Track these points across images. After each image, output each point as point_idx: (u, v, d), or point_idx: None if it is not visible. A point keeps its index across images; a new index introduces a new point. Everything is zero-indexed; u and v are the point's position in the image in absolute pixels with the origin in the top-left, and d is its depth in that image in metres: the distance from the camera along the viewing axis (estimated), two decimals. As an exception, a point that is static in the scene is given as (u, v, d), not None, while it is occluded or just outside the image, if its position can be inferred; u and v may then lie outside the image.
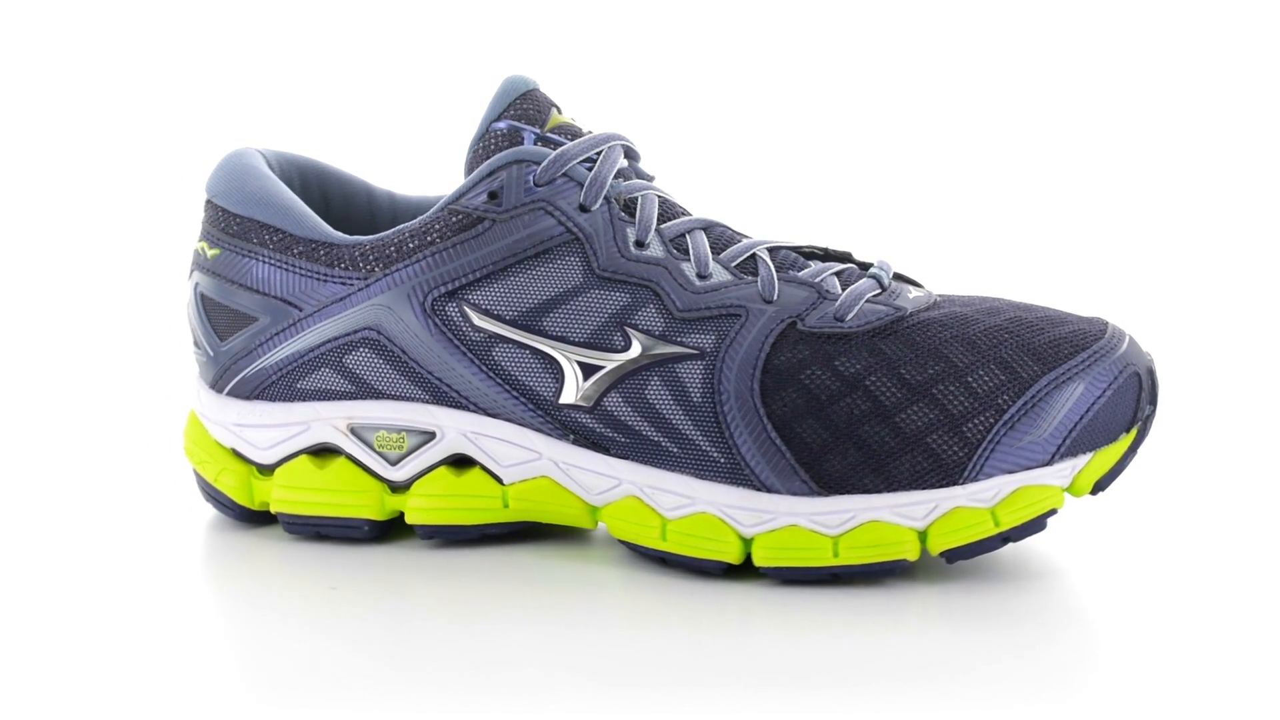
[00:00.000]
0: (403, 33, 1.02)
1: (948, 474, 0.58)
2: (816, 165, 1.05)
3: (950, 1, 1.06)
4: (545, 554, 0.62)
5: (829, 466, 0.59)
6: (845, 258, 0.64)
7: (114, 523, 0.66)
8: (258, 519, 0.65)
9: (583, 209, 0.61)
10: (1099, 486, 0.60)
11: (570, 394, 0.60)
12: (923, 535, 0.59)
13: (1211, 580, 0.62)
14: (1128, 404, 0.60)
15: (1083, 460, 0.59)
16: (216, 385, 0.64)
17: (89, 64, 0.98)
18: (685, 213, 0.63)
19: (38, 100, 0.98)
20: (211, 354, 0.64)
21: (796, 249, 0.63)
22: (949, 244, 1.01)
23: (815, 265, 0.62)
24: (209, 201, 0.65)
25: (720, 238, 0.62)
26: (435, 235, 0.61)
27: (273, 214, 0.63)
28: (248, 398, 0.64)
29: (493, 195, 0.61)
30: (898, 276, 0.64)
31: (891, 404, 0.59)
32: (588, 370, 0.60)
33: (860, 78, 1.07)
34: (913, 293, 0.62)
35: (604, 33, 1.05)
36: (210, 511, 0.66)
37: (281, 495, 0.63)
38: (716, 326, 0.60)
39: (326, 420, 0.63)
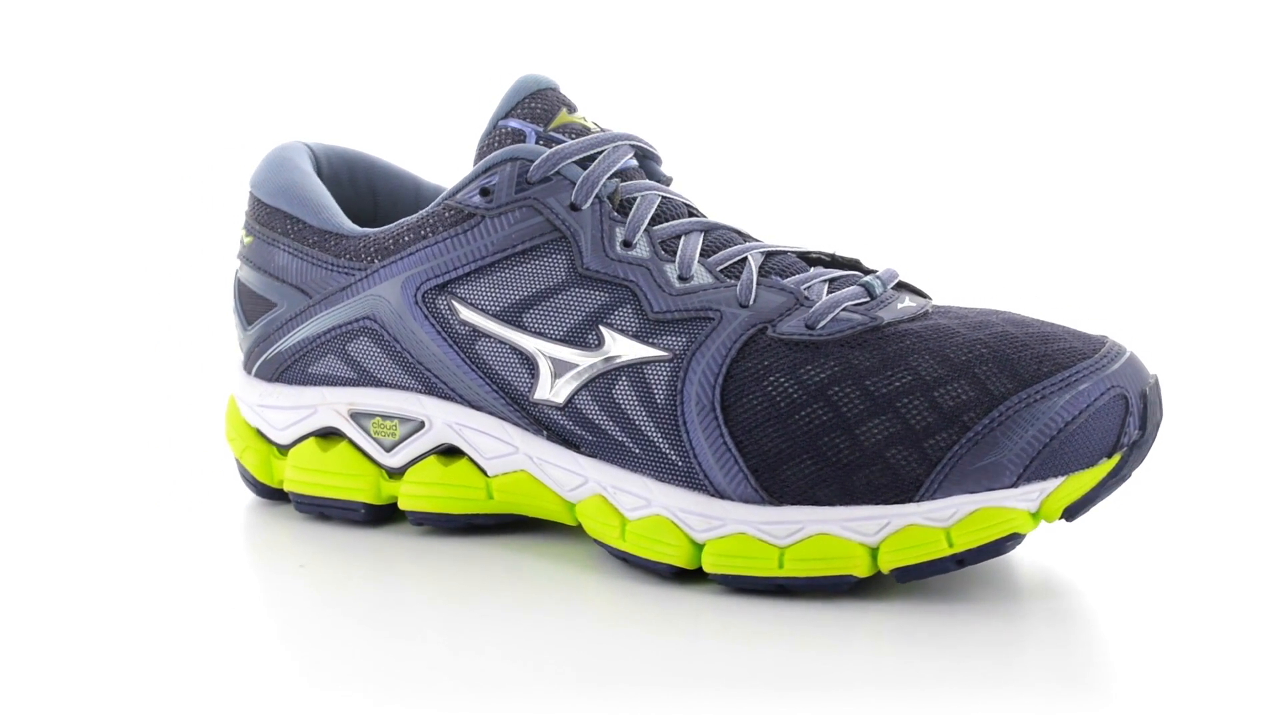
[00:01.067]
0: (466, 32, 1.05)
1: (903, 490, 0.56)
2: (869, 173, 1.04)
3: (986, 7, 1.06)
4: (523, 548, 0.63)
5: (785, 476, 0.57)
6: (852, 265, 0.63)
7: (152, 498, 0.69)
8: (279, 497, 0.67)
9: (573, 208, 0.61)
10: (1070, 513, 0.57)
11: (544, 390, 0.61)
12: (874, 552, 0.57)
13: (1184, 611, 0.58)
14: (1109, 428, 0.56)
15: (1052, 484, 0.56)
16: (246, 366, 0.67)
17: (172, 67, 1.04)
18: (699, 214, 0.63)
19: (128, 98, 1.04)
20: (242, 336, 0.67)
21: (803, 255, 0.62)
22: (1002, 254, 1.00)
23: (811, 271, 0.61)
24: (250, 193, 0.68)
25: (718, 241, 0.62)
26: (429, 229, 0.62)
27: (294, 204, 0.65)
28: (270, 380, 0.66)
29: (485, 192, 0.62)
30: (902, 285, 0.62)
31: (853, 415, 0.57)
32: (561, 367, 0.60)
33: (920, 87, 1.07)
34: (903, 303, 0.60)
35: (668, 44, 1.06)
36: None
37: (292, 475, 0.66)
38: (688, 329, 0.59)
39: (330, 405, 0.65)
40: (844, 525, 0.57)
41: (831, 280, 0.61)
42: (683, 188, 0.66)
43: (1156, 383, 0.58)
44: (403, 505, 0.64)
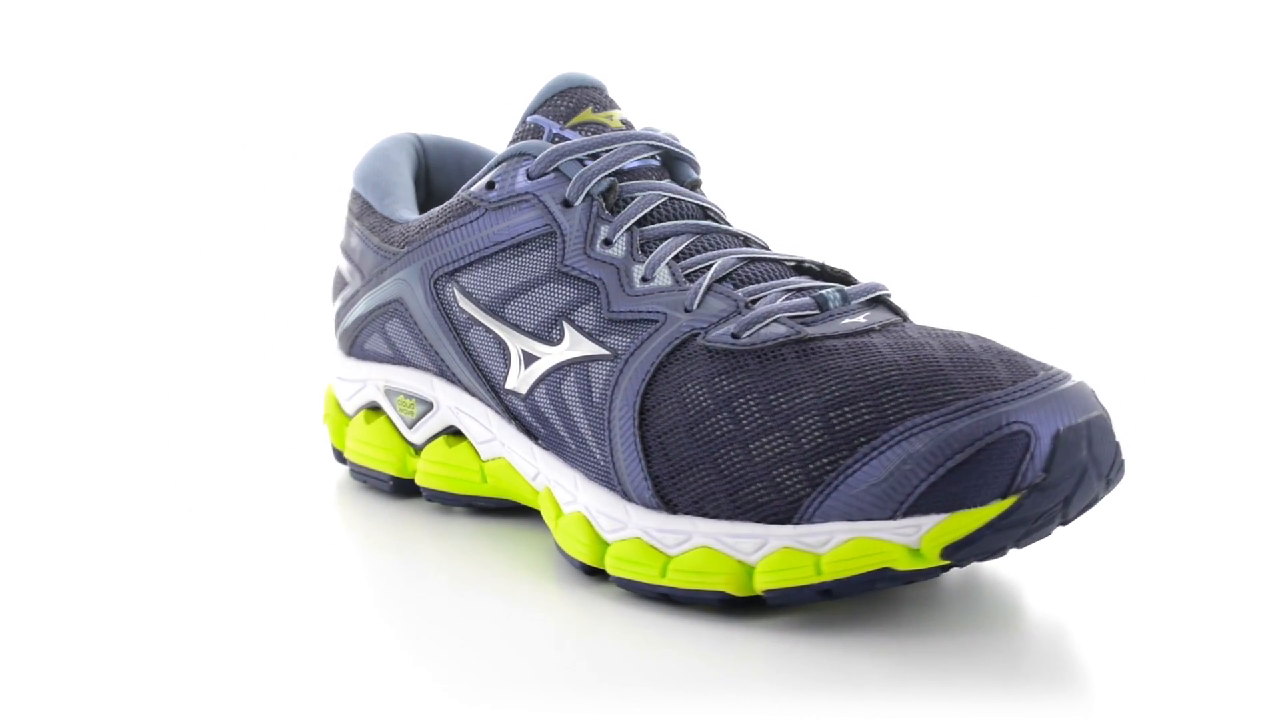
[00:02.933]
0: (576, 35, 1.05)
1: (784, 511, 0.54)
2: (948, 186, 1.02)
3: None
4: (502, 536, 0.64)
5: (683, 484, 0.56)
6: (840, 276, 0.60)
7: (256, 458, 0.75)
8: (349, 464, 0.72)
9: (566, 204, 0.62)
10: (950, 554, 0.53)
11: (513, 380, 0.62)
12: (751, 571, 0.55)
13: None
14: (1003, 466, 0.52)
15: (932, 521, 0.52)
16: (336, 338, 0.72)
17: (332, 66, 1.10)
18: (716, 219, 0.62)
19: (275, 94, 1.10)
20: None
21: (798, 264, 0.60)
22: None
23: (776, 280, 0.59)
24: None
25: (705, 245, 0.61)
26: (444, 219, 0.65)
27: (369, 189, 0.70)
28: (346, 353, 0.71)
29: (490, 185, 0.64)
30: (878, 301, 0.59)
31: (751, 430, 0.55)
32: (528, 359, 0.62)
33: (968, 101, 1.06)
34: (855, 318, 0.57)
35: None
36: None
37: (348, 444, 0.70)
38: (633, 330, 0.59)
39: (372, 381, 0.69)
40: (724, 541, 0.55)
41: (797, 290, 0.59)
42: (723, 193, 0.65)
43: (1091, 424, 0.53)
44: (417, 481, 0.67)
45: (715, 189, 0.67)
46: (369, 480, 0.69)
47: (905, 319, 0.59)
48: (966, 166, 1.07)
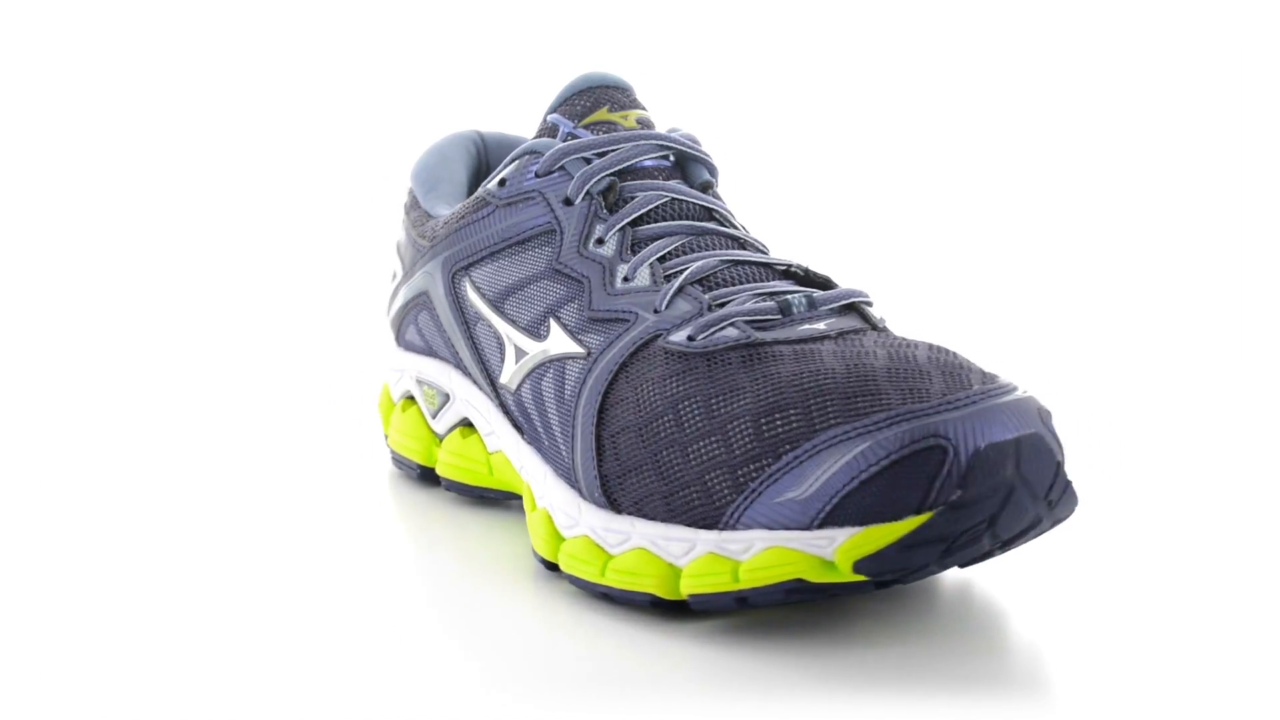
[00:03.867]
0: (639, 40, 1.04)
1: (711, 515, 0.54)
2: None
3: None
4: (501, 529, 0.65)
5: (628, 484, 0.56)
6: (822, 282, 0.59)
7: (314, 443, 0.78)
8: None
9: (566, 202, 0.62)
10: (865, 568, 0.51)
11: (506, 375, 0.63)
12: (679, 574, 0.55)
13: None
14: (917, 480, 0.51)
15: (846, 533, 0.51)
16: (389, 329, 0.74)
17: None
18: (722, 221, 0.62)
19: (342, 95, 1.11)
20: (390, 302, 0.74)
21: (786, 268, 0.60)
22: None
23: (749, 285, 0.58)
24: (415, 178, 0.74)
25: (694, 246, 0.60)
26: (462, 214, 0.66)
27: (418, 184, 0.71)
28: (395, 342, 0.73)
29: (502, 182, 0.65)
30: (852, 307, 0.58)
31: (692, 433, 0.55)
32: (519, 354, 0.62)
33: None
34: (816, 324, 0.56)
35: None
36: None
37: (390, 432, 0.72)
38: (608, 329, 0.59)
39: (408, 371, 0.70)
40: (658, 543, 0.55)
41: (766, 294, 0.58)
42: (759, 198, 0.65)
43: (1021, 442, 0.51)
44: (437, 471, 0.68)
45: (751, 194, 0.67)
46: (402, 467, 0.71)
47: (875, 327, 0.58)
48: (1006, 175, 1.06)
